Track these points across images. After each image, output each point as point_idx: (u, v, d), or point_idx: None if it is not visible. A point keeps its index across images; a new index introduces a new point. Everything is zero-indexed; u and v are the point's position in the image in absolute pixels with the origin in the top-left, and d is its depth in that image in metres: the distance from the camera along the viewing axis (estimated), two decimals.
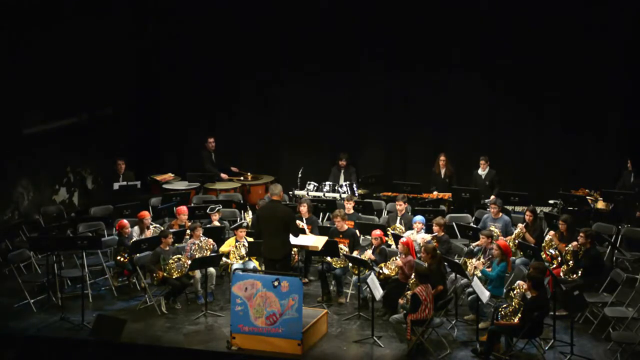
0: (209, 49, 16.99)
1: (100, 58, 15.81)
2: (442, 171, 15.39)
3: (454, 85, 16.10)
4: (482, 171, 15.06)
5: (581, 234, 11.64)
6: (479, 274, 11.33)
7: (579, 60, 15.28)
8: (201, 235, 12.37)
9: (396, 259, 11.62)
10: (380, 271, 11.61)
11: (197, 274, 12.06)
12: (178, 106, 17.38)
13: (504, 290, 11.13)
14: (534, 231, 12.64)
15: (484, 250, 11.82)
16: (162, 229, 12.87)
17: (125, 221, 12.67)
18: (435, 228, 12.49)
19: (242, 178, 16.20)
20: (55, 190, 15.43)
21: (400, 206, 13.46)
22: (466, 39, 15.78)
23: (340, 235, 12.53)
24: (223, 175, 16.20)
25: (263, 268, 11.80)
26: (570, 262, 11.64)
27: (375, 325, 11.02)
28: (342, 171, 15.95)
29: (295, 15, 16.49)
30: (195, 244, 12.26)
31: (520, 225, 12.66)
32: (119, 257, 12.40)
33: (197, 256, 12.08)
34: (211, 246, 12.36)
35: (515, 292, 10.60)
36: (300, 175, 15.46)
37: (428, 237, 12.44)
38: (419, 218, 12.87)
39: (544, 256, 11.97)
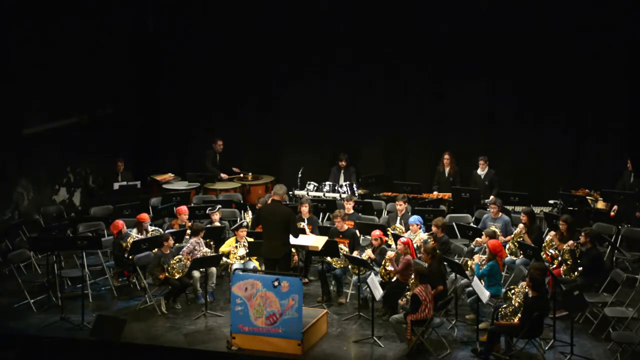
0: (209, 49, 16.99)
1: (100, 58, 15.81)
2: (447, 170, 15.39)
3: (454, 85, 16.09)
4: (482, 171, 15.06)
5: (582, 234, 11.65)
6: (473, 267, 11.39)
7: (580, 61, 15.27)
8: (202, 239, 12.37)
9: (389, 252, 11.69)
10: (383, 270, 11.62)
11: (197, 273, 12.06)
12: (178, 106, 17.37)
13: (503, 290, 11.14)
14: (532, 233, 12.62)
15: (484, 249, 11.81)
16: (161, 231, 12.87)
17: (120, 222, 12.64)
18: (434, 229, 12.47)
19: (242, 176, 16.20)
20: (55, 190, 15.43)
21: (400, 206, 13.46)
22: (466, 39, 15.76)
23: (340, 235, 12.53)
24: (223, 175, 16.21)
25: (263, 268, 11.82)
26: (569, 261, 11.65)
27: (375, 325, 11.03)
28: (342, 171, 15.95)
29: (295, 16, 16.48)
30: (199, 244, 12.23)
31: (520, 226, 12.64)
32: (126, 256, 12.33)
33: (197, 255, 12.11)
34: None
35: (515, 291, 10.60)
36: (300, 175, 15.46)
37: (424, 236, 12.43)
38: (413, 219, 12.84)
39: (544, 256, 11.98)
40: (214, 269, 12.14)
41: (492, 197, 14.01)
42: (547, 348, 10.60)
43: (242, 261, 12.33)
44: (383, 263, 11.70)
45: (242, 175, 16.25)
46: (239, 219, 14.36)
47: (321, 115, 16.70)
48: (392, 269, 11.54)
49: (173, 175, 16.39)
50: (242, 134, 17.21)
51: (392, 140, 16.76)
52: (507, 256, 12.28)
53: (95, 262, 12.96)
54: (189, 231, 12.87)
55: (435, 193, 15.13)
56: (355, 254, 12.22)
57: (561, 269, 11.69)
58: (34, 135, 14.74)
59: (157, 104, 17.63)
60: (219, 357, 10.64)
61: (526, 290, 10.44)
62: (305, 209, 13.21)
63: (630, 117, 15.14)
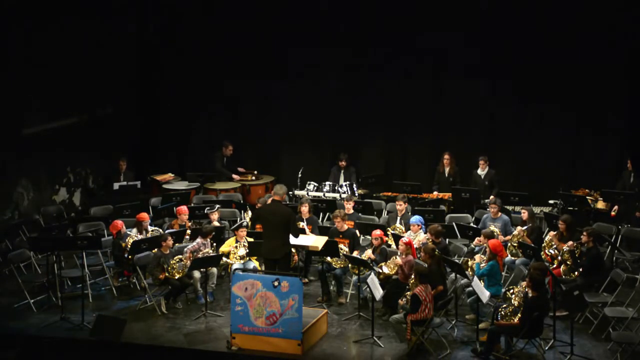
0: (209, 49, 16.99)
1: (100, 58, 15.80)
2: (447, 170, 15.39)
3: (454, 85, 16.09)
4: (482, 171, 15.06)
5: (584, 233, 11.65)
6: (474, 267, 11.38)
7: (579, 60, 15.26)
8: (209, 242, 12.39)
9: (396, 258, 11.63)
10: (380, 270, 11.62)
11: (197, 273, 12.05)
12: (178, 106, 17.37)
13: (503, 290, 11.13)
14: (532, 233, 12.62)
15: (485, 249, 11.81)
16: (161, 231, 12.87)
17: (119, 222, 12.63)
18: (429, 236, 12.37)
19: (252, 178, 16.21)
20: (55, 190, 15.42)
21: (401, 206, 13.46)
22: (466, 39, 15.75)
23: (340, 236, 12.53)
24: (234, 177, 16.20)
25: (263, 268, 11.81)
26: (569, 261, 11.65)
27: (375, 325, 11.03)
28: (342, 171, 15.95)
29: (295, 16, 16.47)
30: (205, 245, 12.22)
31: (519, 228, 12.63)
32: (126, 256, 12.32)
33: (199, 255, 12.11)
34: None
35: (515, 291, 10.59)
36: (300, 175, 15.46)
37: (423, 238, 12.41)
38: (414, 220, 12.84)
39: (544, 256, 11.98)
40: (214, 269, 12.14)
41: (492, 197, 14.00)
42: (547, 348, 10.59)
43: (242, 261, 12.33)
44: (392, 269, 11.65)
45: (252, 177, 16.23)
46: (239, 219, 14.36)
47: (321, 115, 16.71)
48: (387, 270, 11.55)
49: (173, 175, 16.38)
50: (242, 134, 17.20)
51: (392, 140, 16.77)
52: (507, 256, 12.27)
53: (95, 262, 12.95)
54: (188, 231, 12.87)
55: (435, 193, 15.13)
56: (355, 254, 12.22)
57: (561, 269, 11.69)
58: (34, 135, 14.74)
59: (157, 104, 17.62)
60: (219, 357, 10.64)
61: (526, 290, 10.43)
62: (305, 209, 13.20)
63: (630, 117, 15.15)
